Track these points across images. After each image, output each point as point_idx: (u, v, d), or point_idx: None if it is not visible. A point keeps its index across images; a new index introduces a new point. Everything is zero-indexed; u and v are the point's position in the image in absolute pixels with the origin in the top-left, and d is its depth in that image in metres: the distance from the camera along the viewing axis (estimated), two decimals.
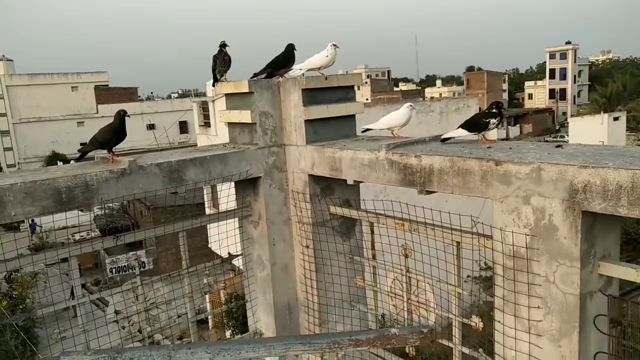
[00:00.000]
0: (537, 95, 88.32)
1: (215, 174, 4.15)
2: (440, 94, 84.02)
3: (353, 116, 4.66)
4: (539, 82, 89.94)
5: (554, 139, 54.91)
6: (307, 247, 4.46)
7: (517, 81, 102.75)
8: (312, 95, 4.34)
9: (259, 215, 4.55)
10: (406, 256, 3.87)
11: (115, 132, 3.82)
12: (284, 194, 4.56)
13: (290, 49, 4.74)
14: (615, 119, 29.68)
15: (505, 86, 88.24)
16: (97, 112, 48.36)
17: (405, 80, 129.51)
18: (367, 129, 4.45)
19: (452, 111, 21.75)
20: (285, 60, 4.71)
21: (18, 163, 46.82)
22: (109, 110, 48.02)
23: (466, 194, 3.17)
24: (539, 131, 66.94)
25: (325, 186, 4.43)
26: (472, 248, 3.33)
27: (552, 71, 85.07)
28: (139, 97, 56.97)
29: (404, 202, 3.74)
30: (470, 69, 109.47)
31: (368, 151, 3.79)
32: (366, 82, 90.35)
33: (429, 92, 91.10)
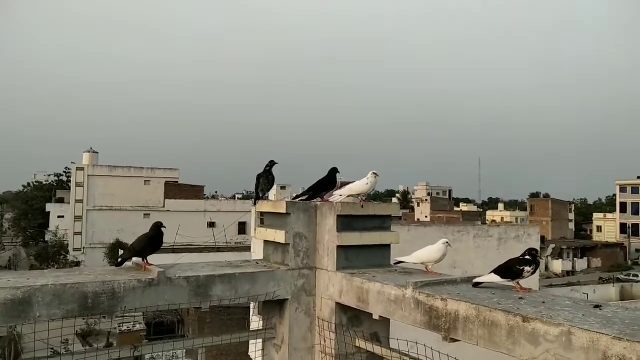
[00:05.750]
0: (606, 228, 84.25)
1: (242, 293, 4.14)
2: (502, 218, 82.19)
3: (388, 246, 4.61)
4: (609, 215, 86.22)
5: (627, 277, 51.15)
6: None
7: (584, 212, 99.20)
8: (347, 222, 4.37)
9: (282, 339, 4.42)
10: None
11: (150, 242, 3.98)
12: (310, 320, 4.43)
13: (334, 173, 4.90)
14: None
15: (571, 216, 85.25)
16: (164, 206, 51.00)
17: (467, 201, 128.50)
18: (400, 262, 4.37)
19: (511, 238, 21.08)
20: (326, 185, 4.85)
21: (83, 247, 49.22)
22: (175, 205, 50.88)
23: (492, 349, 2.94)
24: (609, 267, 62.83)
25: (353, 316, 4.28)
26: None
27: (623, 205, 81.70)
28: (205, 195, 59.73)
29: (432, 346, 3.52)
30: (534, 195, 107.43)
31: (396, 286, 3.67)
32: (427, 200, 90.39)
33: (490, 215, 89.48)
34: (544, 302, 3.12)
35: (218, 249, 38.81)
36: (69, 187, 56.74)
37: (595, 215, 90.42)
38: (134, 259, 4.14)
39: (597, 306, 3.02)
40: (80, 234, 50.30)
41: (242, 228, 50.09)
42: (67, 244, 49.71)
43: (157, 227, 4.08)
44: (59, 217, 56.39)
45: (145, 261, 4.04)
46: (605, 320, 2.71)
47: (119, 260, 4.25)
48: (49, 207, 60.26)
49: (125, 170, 53.22)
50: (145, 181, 53.15)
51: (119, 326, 28.36)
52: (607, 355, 2.41)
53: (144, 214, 48.72)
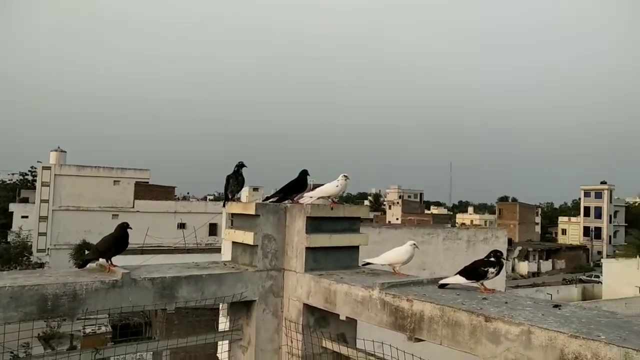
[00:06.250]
0: (571, 231, 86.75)
1: (209, 294, 4.09)
2: (472, 221, 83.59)
3: (357, 247, 4.63)
4: (573, 219, 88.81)
5: (589, 278, 52.69)
6: None
7: (550, 215, 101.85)
8: (316, 224, 4.37)
9: (249, 340, 4.39)
10: None
11: (114, 243, 3.90)
12: (278, 321, 4.41)
13: (304, 175, 4.90)
14: None
15: (538, 219, 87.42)
16: (133, 207, 50.00)
17: (438, 204, 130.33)
18: (368, 263, 4.40)
19: (479, 240, 21.48)
20: (297, 186, 4.85)
21: (48, 248, 47.86)
22: (145, 206, 49.94)
23: (455, 348, 2.99)
24: (572, 268, 64.66)
25: (321, 317, 4.29)
26: None
27: (587, 209, 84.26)
28: (176, 196, 58.85)
29: (397, 346, 3.55)
30: (503, 199, 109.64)
31: (363, 287, 3.70)
32: (398, 202, 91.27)
33: (460, 218, 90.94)
34: (506, 302, 3.19)
35: (188, 250, 38.29)
36: (35, 187, 55.14)
37: (560, 219, 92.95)
38: (101, 260, 4.05)
39: (556, 306, 3.10)
40: (44, 234, 48.87)
41: (213, 229, 49.55)
42: (31, 245, 48.23)
43: (123, 228, 4.00)
44: (22, 217, 54.65)
45: (110, 262, 3.95)
46: (563, 319, 2.78)
47: (82, 261, 4.15)
48: (12, 207, 58.39)
49: (94, 170, 51.99)
50: (114, 181, 52.04)
51: (83, 329, 27.65)
52: (564, 353, 2.47)
53: (112, 215, 47.64)
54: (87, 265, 4.10)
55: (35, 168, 59.37)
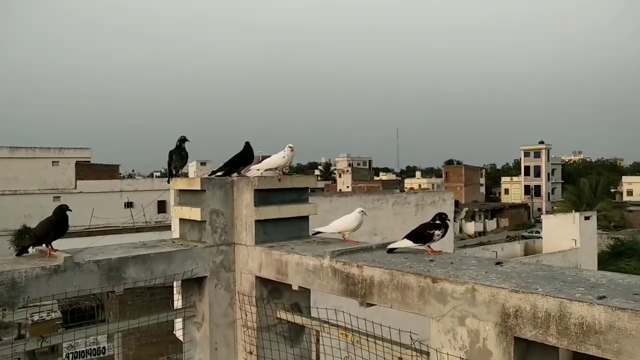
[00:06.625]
0: (513, 190, 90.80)
1: (158, 273, 4.01)
2: (420, 185, 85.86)
3: (306, 217, 4.65)
4: (515, 178, 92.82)
5: (530, 234, 55.60)
6: (251, 353, 4.24)
7: (494, 176, 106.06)
8: (264, 196, 4.35)
9: (202, 316, 4.36)
10: None
11: (53, 227, 3.73)
12: (231, 295, 4.40)
13: (248, 147, 4.82)
14: (587, 218, 30.35)
15: (482, 180, 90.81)
16: (75, 188, 48.03)
17: (386, 170, 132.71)
18: (318, 232, 4.43)
19: (427, 204, 22.10)
20: (243, 159, 4.77)
21: None
22: (88, 186, 48.06)
23: (405, 310, 3.08)
24: (515, 225, 67.95)
25: (274, 289, 4.31)
26: None
27: (527, 168, 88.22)
28: (120, 174, 56.95)
29: (346, 311, 3.62)
30: (449, 162, 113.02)
31: (313, 257, 3.73)
32: (347, 170, 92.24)
33: (408, 182, 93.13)
34: (452, 263, 3.30)
35: (137, 230, 37.33)
36: None
37: (503, 179, 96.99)
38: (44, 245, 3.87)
39: (498, 263, 3.24)
40: None
41: (162, 207, 48.43)
42: None
43: (62, 211, 3.82)
44: None
45: (50, 247, 3.79)
46: (504, 275, 2.91)
47: (20, 247, 3.96)
48: None
49: (29, 151, 49.21)
50: (52, 162, 49.56)
51: (31, 316, 26.70)
52: (505, 307, 2.60)
53: (54, 197, 45.49)
54: (27, 252, 3.92)
55: None
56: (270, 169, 4.69)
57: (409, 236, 3.67)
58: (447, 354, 2.83)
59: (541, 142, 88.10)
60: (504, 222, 70.67)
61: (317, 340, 4.10)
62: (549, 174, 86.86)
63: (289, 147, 4.64)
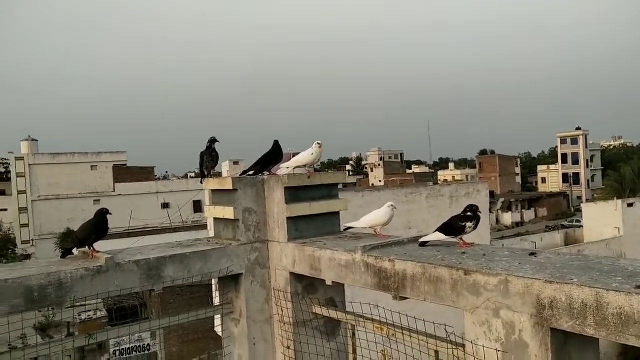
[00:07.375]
0: (550, 179, 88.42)
1: (195, 272, 4.13)
2: (454, 177, 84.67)
3: (337, 213, 4.69)
4: (552, 167, 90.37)
5: (570, 223, 54.12)
6: (289, 348, 4.31)
7: (529, 165, 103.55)
8: (294, 193, 4.40)
9: (240, 312, 4.46)
10: None
11: (94, 229, 3.88)
12: (266, 291, 4.49)
13: (277, 145, 4.89)
14: (630, 205, 29.31)
15: (517, 170, 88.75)
16: (114, 191, 49.46)
17: (419, 162, 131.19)
18: (349, 227, 4.46)
19: (462, 195, 21.77)
20: (272, 158, 4.84)
21: (32, 240, 47.30)
22: (126, 189, 49.41)
23: (438, 303, 3.09)
24: (554, 215, 66.19)
25: (308, 284, 4.37)
26: (447, 359, 3.19)
27: (564, 156, 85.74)
28: (156, 176, 58.25)
29: (384, 305, 3.65)
30: (482, 152, 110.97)
31: (345, 252, 3.76)
32: (379, 164, 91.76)
33: (442, 174, 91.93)
34: (484, 255, 3.28)
35: (174, 230, 38.19)
36: (9, 179, 54.02)
37: (540, 168, 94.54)
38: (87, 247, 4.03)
39: (532, 254, 3.20)
40: (27, 225, 48.20)
41: (198, 206, 49.27)
42: (14, 237, 47.60)
43: (102, 214, 3.98)
44: (1, 210, 53.79)
45: (92, 249, 3.95)
46: (538, 266, 2.88)
47: (64, 250, 4.14)
48: None
49: (68, 156, 50.94)
50: (91, 166, 51.15)
51: (79, 315, 27.71)
52: (540, 298, 2.58)
53: (94, 200, 47.02)
54: (72, 254, 4.09)
55: (7, 160, 58.04)
56: (299, 167, 4.75)
57: (440, 229, 3.66)
58: (483, 346, 2.83)
59: (578, 129, 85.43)
60: (542, 212, 68.95)
61: (353, 334, 4.13)
62: (587, 160, 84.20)
63: (317, 144, 4.68)
